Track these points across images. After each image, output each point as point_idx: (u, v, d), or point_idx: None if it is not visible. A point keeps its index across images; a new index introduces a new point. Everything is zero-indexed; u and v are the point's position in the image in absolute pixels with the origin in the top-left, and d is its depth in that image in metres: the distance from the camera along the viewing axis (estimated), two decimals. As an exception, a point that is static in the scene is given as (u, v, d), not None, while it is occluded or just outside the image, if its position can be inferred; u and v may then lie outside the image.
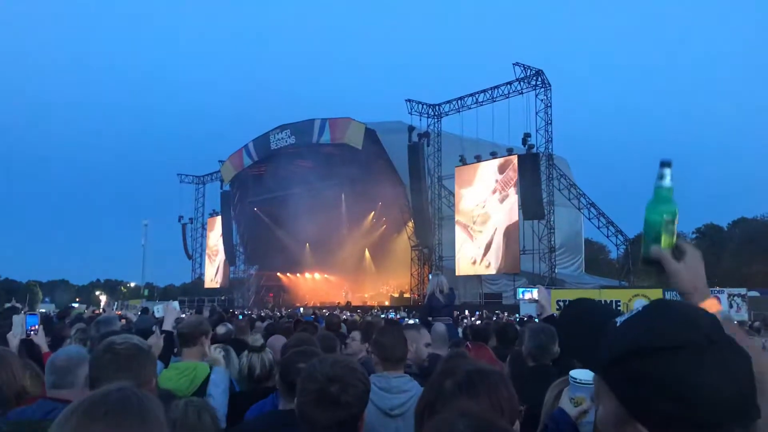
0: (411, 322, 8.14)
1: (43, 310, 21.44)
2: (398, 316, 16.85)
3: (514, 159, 27.76)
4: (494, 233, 28.79)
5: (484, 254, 29.21)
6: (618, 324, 1.02)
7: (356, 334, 5.54)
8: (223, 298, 43.10)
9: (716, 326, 0.97)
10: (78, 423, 1.27)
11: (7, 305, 14.30)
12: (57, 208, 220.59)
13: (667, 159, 1.50)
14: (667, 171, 1.50)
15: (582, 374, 2.29)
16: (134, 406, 1.32)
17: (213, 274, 47.21)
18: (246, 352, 4.11)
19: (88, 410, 1.30)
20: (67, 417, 1.30)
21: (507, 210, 28.22)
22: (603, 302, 1.22)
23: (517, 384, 2.14)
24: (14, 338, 4.36)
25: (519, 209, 27.48)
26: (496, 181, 28.67)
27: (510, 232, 28.00)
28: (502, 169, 28.52)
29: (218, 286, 46.20)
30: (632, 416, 0.96)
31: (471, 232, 29.89)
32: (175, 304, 3.65)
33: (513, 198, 27.89)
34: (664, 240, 1.48)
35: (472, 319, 15.86)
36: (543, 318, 4.51)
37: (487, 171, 29.22)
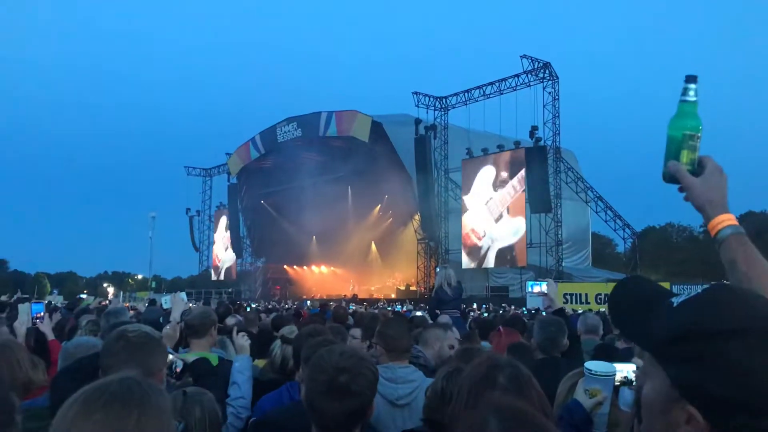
0: (419, 314, 8.14)
1: (52, 302, 21.58)
2: (405, 309, 16.84)
3: (511, 156, 27.60)
4: (488, 250, 29.08)
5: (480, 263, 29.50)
6: (675, 305, 1.00)
7: (356, 331, 5.45)
8: (230, 290, 43.26)
9: None
10: (78, 412, 1.27)
11: (15, 297, 14.39)
12: (65, 200, 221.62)
13: (692, 74, 1.46)
14: (692, 86, 1.46)
15: (597, 366, 2.29)
16: (135, 396, 1.31)
17: (220, 267, 47.43)
18: (279, 343, 4.06)
19: (88, 399, 1.29)
20: (68, 407, 1.29)
21: (506, 232, 28.41)
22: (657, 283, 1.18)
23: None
24: (21, 326, 4.39)
25: (526, 203, 27.41)
26: (496, 198, 28.80)
27: (508, 249, 28.25)
28: (501, 181, 28.53)
29: (222, 278, 46.43)
30: (684, 397, 0.94)
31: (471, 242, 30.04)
32: (183, 295, 3.64)
33: (514, 220, 28.05)
34: (685, 156, 1.44)
35: (479, 312, 15.81)
36: (552, 311, 4.49)
37: (488, 183, 29.27)
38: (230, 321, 6.28)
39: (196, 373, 3.00)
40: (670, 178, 1.47)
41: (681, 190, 1.47)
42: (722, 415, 0.90)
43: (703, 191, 1.42)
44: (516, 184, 27.94)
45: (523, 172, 27.27)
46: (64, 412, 1.28)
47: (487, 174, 29.24)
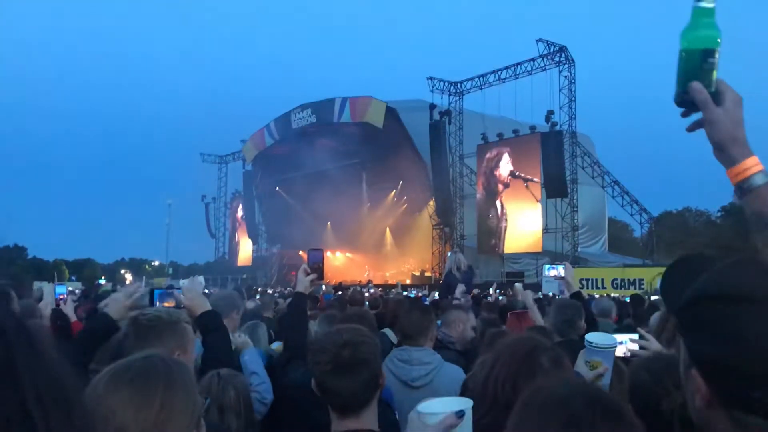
0: (437, 295, 8.22)
1: (70, 288, 21.84)
2: (420, 294, 16.87)
3: (527, 141, 27.40)
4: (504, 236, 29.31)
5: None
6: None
7: None
8: (245, 276, 43.55)
9: None
10: (105, 390, 1.31)
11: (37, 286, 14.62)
12: (82, 187, 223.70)
13: None
14: None
15: (598, 338, 2.30)
16: (160, 372, 1.35)
17: (243, 253, 47.88)
18: None
19: (114, 377, 1.33)
20: (94, 385, 1.33)
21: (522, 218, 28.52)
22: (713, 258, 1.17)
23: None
24: (46, 308, 4.47)
25: (541, 188, 27.28)
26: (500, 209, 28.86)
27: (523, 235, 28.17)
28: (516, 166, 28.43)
29: (248, 263, 46.84)
30: (693, 362, 0.95)
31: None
32: (201, 278, 3.65)
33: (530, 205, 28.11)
34: (702, 77, 1.20)
35: (494, 295, 15.70)
36: (570, 294, 4.49)
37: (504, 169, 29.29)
38: (249, 305, 6.37)
39: (203, 329, 3.02)
40: (683, 102, 1.24)
41: (685, 115, 1.25)
42: (718, 379, 0.90)
43: (728, 127, 1.19)
44: (532, 169, 27.84)
45: (539, 157, 27.12)
46: (92, 389, 1.32)
47: (504, 156, 29.14)
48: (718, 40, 1.19)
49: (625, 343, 2.61)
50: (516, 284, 6.73)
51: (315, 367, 2.05)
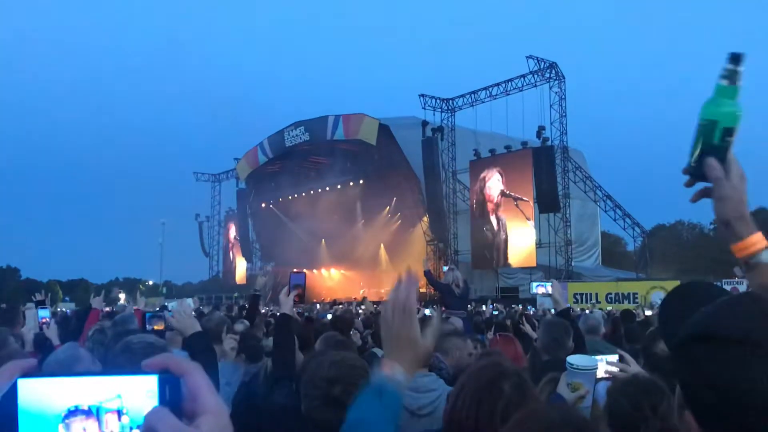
0: (427, 312, 8.25)
1: (63, 309, 21.69)
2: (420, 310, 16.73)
3: (519, 157, 27.51)
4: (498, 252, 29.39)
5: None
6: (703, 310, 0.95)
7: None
8: (236, 295, 43.39)
9: None
10: None
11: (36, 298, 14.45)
12: (75, 207, 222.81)
13: (738, 52, 1.19)
14: (734, 67, 1.19)
15: (580, 360, 2.29)
16: None
17: (239, 271, 47.82)
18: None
19: None
20: None
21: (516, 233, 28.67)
22: (713, 286, 1.15)
23: (531, 377, 2.14)
24: (29, 332, 4.39)
25: (534, 204, 27.36)
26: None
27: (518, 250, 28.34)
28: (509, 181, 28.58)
29: (243, 282, 46.73)
30: (686, 401, 0.93)
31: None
32: (189, 301, 3.60)
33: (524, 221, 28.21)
34: (718, 153, 1.21)
35: (490, 309, 15.62)
36: (558, 312, 4.48)
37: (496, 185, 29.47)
38: (238, 327, 6.27)
39: (192, 350, 3.03)
40: (694, 173, 1.26)
41: (689, 184, 1.27)
42: (710, 423, 0.89)
43: (735, 202, 1.21)
44: (523, 187, 27.94)
45: (530, 173, 27.23)
46: None
47: (495, 175, 29.28)
48: (739, 116, 1.20)
49: (606, 358, 2.61)
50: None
51: (305, 399, 2.04)
